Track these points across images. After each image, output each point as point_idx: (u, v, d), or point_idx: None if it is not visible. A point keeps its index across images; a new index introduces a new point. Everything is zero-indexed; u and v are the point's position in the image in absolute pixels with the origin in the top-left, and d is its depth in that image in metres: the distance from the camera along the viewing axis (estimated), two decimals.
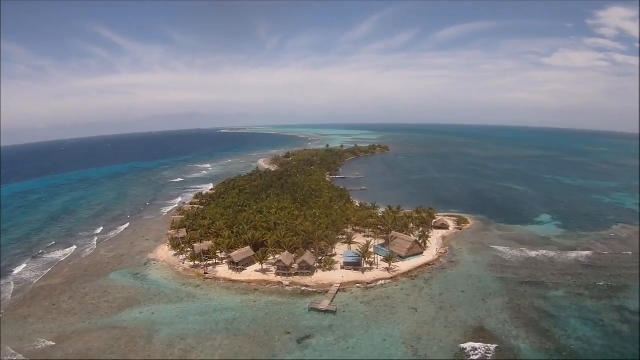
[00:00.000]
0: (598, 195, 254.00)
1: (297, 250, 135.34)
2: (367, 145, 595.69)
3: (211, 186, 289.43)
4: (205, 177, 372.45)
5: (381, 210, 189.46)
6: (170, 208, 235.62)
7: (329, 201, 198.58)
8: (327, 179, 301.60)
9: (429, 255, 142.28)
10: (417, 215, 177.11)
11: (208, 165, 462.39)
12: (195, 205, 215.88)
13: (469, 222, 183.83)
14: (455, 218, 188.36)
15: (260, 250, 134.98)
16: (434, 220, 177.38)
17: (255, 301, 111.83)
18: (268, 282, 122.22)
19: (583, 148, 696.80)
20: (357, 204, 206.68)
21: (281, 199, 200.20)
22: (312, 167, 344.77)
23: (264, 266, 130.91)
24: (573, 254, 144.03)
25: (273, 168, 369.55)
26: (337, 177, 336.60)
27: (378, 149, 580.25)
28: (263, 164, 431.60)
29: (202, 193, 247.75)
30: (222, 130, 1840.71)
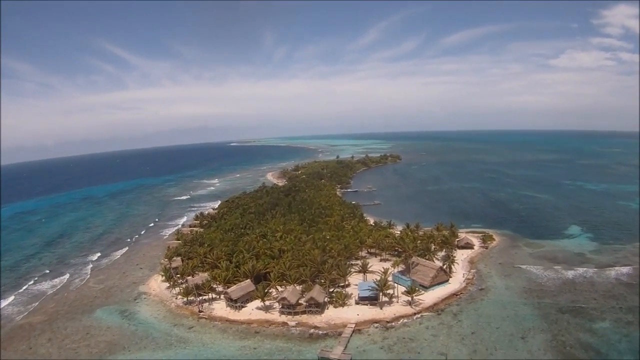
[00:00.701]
0: (624, 201, 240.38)
1: (304, 284, 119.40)
2: (378, 155, 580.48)
3: (218, 203, 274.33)
4: (212, 193, 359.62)
5: (398, 228, 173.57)
6: (171, 230, 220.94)
7: (340, 220, 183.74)
8: (337, 193, 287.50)
9: (455, 282, 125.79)
10: (438, 234, 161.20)
11: (215, 181, 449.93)
12: (194, 228, 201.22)
13: (494, 239, 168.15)
14: (480, 235, 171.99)
15: (260, 284, 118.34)
16: (457, 239, 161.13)
17: (255, 348, 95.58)
18: (271, 323, 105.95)
19: (596, 149, 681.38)
20: (372, 221, 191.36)
21: (287, 219, 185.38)
22: (322, 181, 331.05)
23: (267, 302, 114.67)
24: (612, 272, 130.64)
25: (281, 183, 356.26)
26: (349, 190, 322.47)
27: (390, 158, 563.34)
28: (271, 178, 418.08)
29: (202, 213, 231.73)
30: (232, 144, 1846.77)
